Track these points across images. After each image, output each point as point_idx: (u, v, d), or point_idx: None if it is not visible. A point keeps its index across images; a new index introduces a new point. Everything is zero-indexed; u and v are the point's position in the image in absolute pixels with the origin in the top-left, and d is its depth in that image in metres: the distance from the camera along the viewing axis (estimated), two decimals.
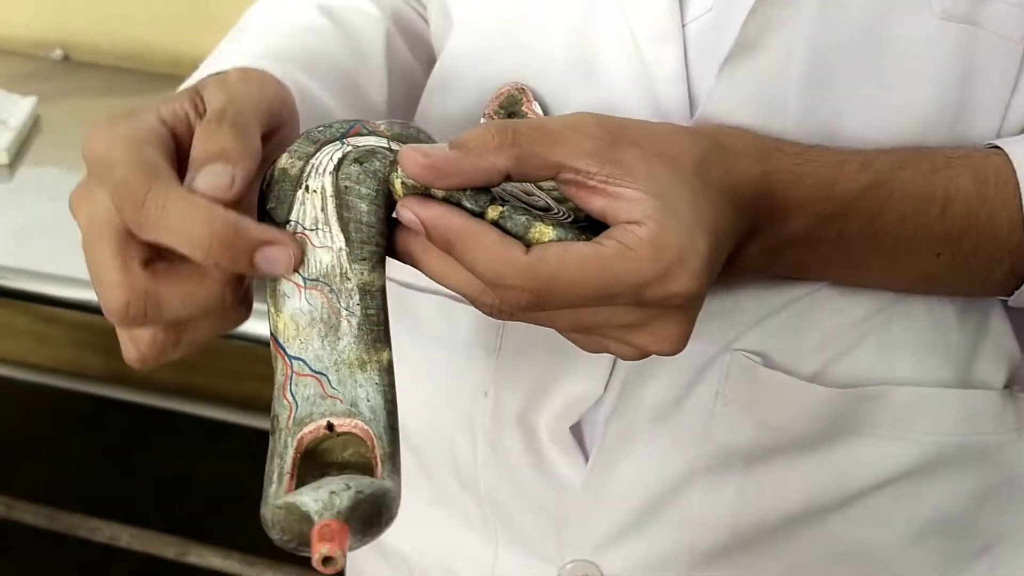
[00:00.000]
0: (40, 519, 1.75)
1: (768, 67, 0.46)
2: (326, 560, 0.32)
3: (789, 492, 0.54)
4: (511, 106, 0.52)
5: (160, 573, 1.79)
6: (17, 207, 1.30)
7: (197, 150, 0.39)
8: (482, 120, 0.52)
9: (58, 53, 1.67)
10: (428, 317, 0.59)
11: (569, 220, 0.41)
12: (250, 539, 1.77)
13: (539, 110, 0.51)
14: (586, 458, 0.56)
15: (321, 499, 0.34)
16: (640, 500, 0.55)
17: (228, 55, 0.52)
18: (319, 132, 0.41)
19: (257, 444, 2.23)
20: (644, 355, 0.42)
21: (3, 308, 2.23)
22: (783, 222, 0.46)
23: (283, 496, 0.35)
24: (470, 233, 0.38)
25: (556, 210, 0.42)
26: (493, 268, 0.38)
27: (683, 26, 0.48)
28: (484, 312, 0.41)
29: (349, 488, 0.34)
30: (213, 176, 0.38)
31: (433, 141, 0.43)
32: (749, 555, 0.56)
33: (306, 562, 1.53)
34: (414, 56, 0.61)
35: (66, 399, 2.12)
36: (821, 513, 0.55)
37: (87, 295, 1.14)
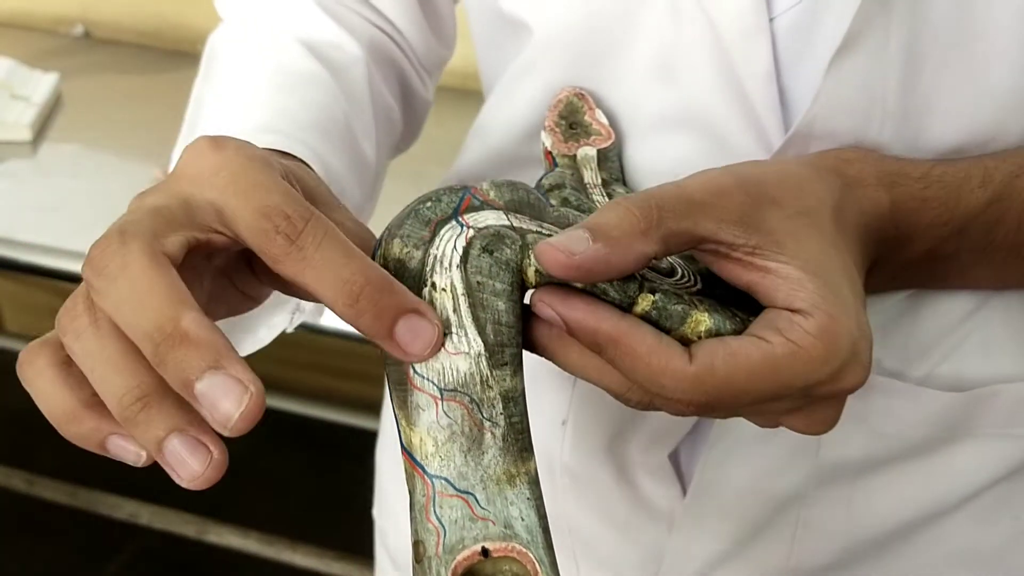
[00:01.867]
0: (61, 495, 1.76)
1: (869, 61, 0.44)
2: None
3: (900, 502, 0.52)
4: (572, 115, 0.49)
5: (179, 551, 1.79)
6: (40, 183, 1.30)
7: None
8: (543, 133, 0.50)
9: (79, 29, 1.67)
10: None
11: (694, 285, 0.38)
12: (267, 519, 1.78)
13: (603, 118, 0.49)
14: (683, 485, 0.53)
15: None
16: (743, 524, 0.53)
17: (237, 116, 0.45)
18: (428, 209, 0.36)
19: (275, 425, 2.24)
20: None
21: (23, 284, 2.24)
22: (903, 248, 0.44)
23: None
24: (624, 338, 0.34)
25: (679, 272, 0.39)
26: (654, 380, 0.35)
27: (770, 20, 0.45)
28: (631, 407, 0.38)
29: None
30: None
31: (542, 200, 0.39)
32: (857, 568, 0.54)
33: (325, 544, 1.55)
34: (389, 92, 0.57)
35: None
36: (930, 520, 0.53)
37: None
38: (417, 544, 0.34)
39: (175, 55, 1.58)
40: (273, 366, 2.05)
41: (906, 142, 0.45)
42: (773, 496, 0.52)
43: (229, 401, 0.29)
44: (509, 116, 0.54)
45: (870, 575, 0.55)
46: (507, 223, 0.36)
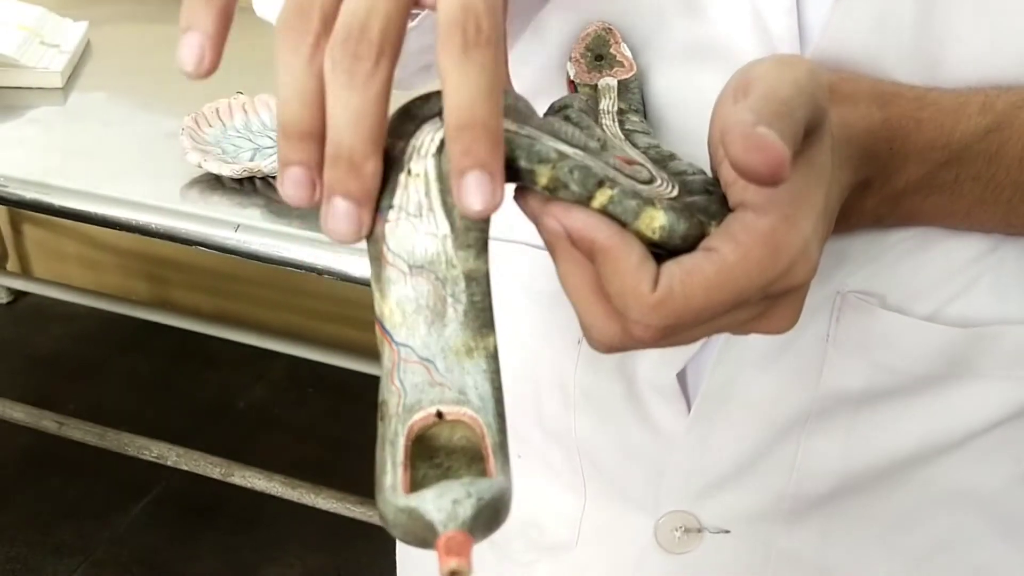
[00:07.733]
0: (90, 436, 1.80)
1: None
2: (453, 573, 0.33)
3: (899, 436, 0.53)
4: (598, 47, 0.51)
5: (204, 492, 1.83)
6: (70, 129, 1.31)
7: None
8: (568, 64, 0.51)
9: None
10: (508, 264, 0.58)
11: (672, 194, 0.40)
12: (291, 463, 1.81)
13: (627, 51, 0.50)
14: (688, 406, 0.54)
15: (444, 508, 0.34)
16: (744, 448, 0.54)
17: None
18: (417, 107, 0.39)
19: (294, 372, 2.24)
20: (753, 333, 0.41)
21: (53, 232, 2.27)
22: (899, 170, 0.44)
23: (403, 497, 0.34)
24: (613, 250, 0.37)
25: (658, 180, 0.40)
26: (622, 297, 0.37)
27: None
28: (592, 347, 0.40)
29: (471, 496, 0.34)
30: None
31: (532, 109, 0.41)
32: (854, 501, 0.55)
33: (347, 488, 1.56)
34: None
35: (112, 323, 2.16)
36: (929, 456, 0.54)
37: (135, 216, 1.16)
38: (382, 404, 0.37)
39: None
40: (298, 317, 2.08)
41: (923, 80, 0.45)
42: (775, 421, 0.53)
43: (344, 225, 0.35)
44: (541, 52, 0.55)
45: (867, 508, 0.55)
46: None
